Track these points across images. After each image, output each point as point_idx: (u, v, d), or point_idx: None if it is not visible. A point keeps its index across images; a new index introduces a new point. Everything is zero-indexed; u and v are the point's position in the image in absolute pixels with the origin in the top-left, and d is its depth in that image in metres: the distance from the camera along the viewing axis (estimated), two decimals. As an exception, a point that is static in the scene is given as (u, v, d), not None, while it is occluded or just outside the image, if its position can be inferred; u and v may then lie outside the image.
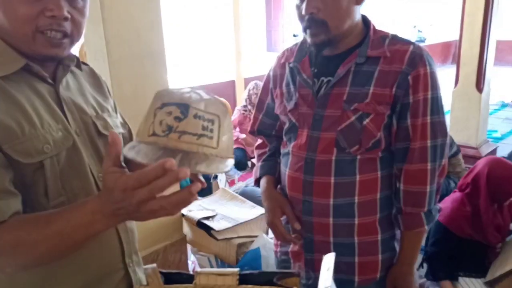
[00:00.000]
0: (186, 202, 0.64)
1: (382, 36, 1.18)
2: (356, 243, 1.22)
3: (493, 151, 4.11)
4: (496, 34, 3.88)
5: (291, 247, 1.32)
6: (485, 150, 4.00)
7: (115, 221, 0.69)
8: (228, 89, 6.21)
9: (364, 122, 1.12)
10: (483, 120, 4.02)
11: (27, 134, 0.76)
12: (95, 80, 1.01)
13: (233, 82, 6.22)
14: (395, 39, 1.18)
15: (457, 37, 4.06)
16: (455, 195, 2.17)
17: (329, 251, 1.20)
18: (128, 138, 1.05)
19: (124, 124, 1.05)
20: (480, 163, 2.11)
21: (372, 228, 1.22)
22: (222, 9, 5.92)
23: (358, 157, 1.16)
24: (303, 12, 1.10)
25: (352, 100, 1.13)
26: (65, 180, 0.82)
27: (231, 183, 3.98)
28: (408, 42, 1.16)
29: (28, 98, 0.79)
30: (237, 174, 4.15)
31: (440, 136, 1.16)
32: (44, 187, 0.79)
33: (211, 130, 0.67)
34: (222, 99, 0.76)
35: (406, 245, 1.24)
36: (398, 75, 1.11)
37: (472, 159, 3.55)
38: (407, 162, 1.16)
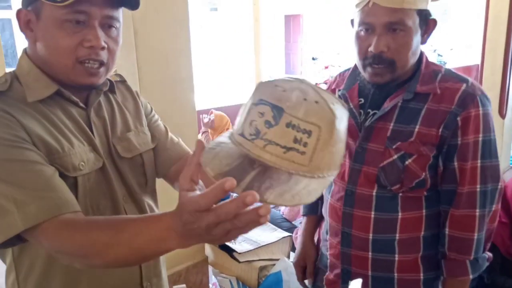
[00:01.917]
0: (256, 223, 0.56)
1: (435, 71, 1.13)
2: (396, 279, 1.18)
3: (517, 178, 4.03)
4: (518, 59, 3.86)
5: (327, 274, 1.30)
6: (508, 176, 3.92)
7: (188, 241, 0.63)
8: (247, 111, 6.26)
9: (406, 162, 1.08)
10: (506, 146, 3.96)
11: (66, 150, 0.82)
12: (129, 97, 1.06)
13: (252, 104, 6.27)
14: (448, 74, 1.12)
15: (478, 61, 4.04)
16: None
17: (367, 284, 1.19)
18: (163, 149, 1.07)
19: (157, 135, 1.07)
20: (507, 181, 2.11)
21: (414, 265, 1.17)
22: (243, 32, 6.04)
23: (400, 194, 1.11)
24: (372, 49, 1.04)
25: (396, 138, 1.09)
26: (93, 198, 0.87)
27: (250, 205, 3.97)
28: (461, 80, 1.11)
29: (61, 120, 0.85)
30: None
31: (491, 181, 1.10)
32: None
33: (305, 144, 0.56)
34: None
35: None
36: (446, 115, 1.07)
37: (495, 185, 3.49)
38: (454, 206, 1.10)
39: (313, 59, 14.44)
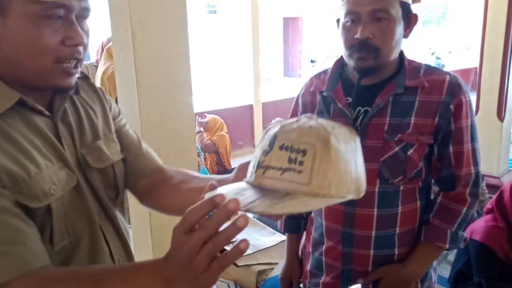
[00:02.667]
0: (238, 251, 0.52)
1: (416, 67, 1.19)
2: None
3: (516, 181, 4.03)
4: (517, 62, 3.87)
5: (323, 278, 1.29)
6: (507, 179, 3.93)
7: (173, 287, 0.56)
8: (246, 113, 6.28)
9: (409, 153, 1.12)
10: (504, 149, 3.97)
11: (33, 175, 0.69)
12: (94, 97, 0.93)
13: (251, 106, 6.29)
14: (429, 69, 1.19)
15: (476, 64, 4.06)
16: (487, 216, 2.14)
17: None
18: (135, 158, 0.96)
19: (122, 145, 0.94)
20: (504, 184, 2.12)
21: (409, 256, 1.21)
22: (241, 35, 6.05)
23: (401, 188, 1.15)
24: (358, 36, 1.08)
25: (395, 131, 1.13)
26: (68, 222, 0.76)
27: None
28: (444, 73, 1.18)
29: (25, 135, 0.73)
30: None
31: (479, 163, 1.18)
32: (49, 232, 0.72)
33: (301, 163, 0.56)
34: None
35: (421, 256, 1.18)
36: (439, 105, 1.12)
37: (493, 188, 3.49)
38: (453, 189, 1.17)
39: (312, 61, 14.48)
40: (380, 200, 1.15)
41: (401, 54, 1.20)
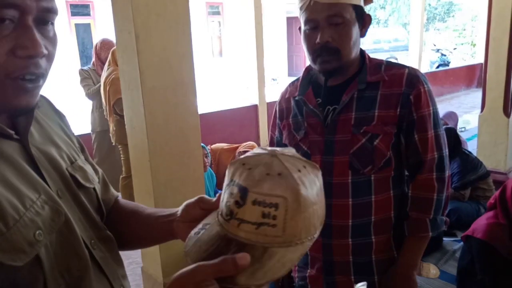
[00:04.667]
0: (227, 272, 0.56)
1: (378, 63, 1.25)
2: (374, 261, 1.26)
3: (523, 177, 4.00)
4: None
5: (308, 272, 1.34)
6: (513, 175, 3.90)
7: None
8: (251, 113, 6.28)
9: (375, 143, 1.19)
10: (511, 145, 3.94)
11: (12, 224, 0.55)
12: (56, 115, 0.78)
13: (255, 106, 6.29)
14: (389, 65, 1.26)
15: (481, 60, 4.04)
16: (489, 213, 2.13)
17: (349, 271, 1.27)
18: (102, 186, 0.84)
19: (96, 169, 0.84)
20: (508, 180, 2.11)
21: (387, 245, 1.27)
22: (245, 35, 6.04)
23: (372, 177, 1.21)
24: (318, 41, 1.16)
25: (360, 124, 1.20)
26: (61, 265, 0.62)
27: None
28: (403, 66, 1.25)
29: None
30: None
31: (444, 148, 1.23)
32: (43, 284, 0.59)
33: (274, 217, 0.58)
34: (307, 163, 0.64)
35: (410, 249, 1.25)
36: (400, 96, 1.19)
37: (501, 184, 3.47)
38: (419, 173, 1.23)
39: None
40: (354, 190, 1.21)
41: (363, 53, 1.28)
